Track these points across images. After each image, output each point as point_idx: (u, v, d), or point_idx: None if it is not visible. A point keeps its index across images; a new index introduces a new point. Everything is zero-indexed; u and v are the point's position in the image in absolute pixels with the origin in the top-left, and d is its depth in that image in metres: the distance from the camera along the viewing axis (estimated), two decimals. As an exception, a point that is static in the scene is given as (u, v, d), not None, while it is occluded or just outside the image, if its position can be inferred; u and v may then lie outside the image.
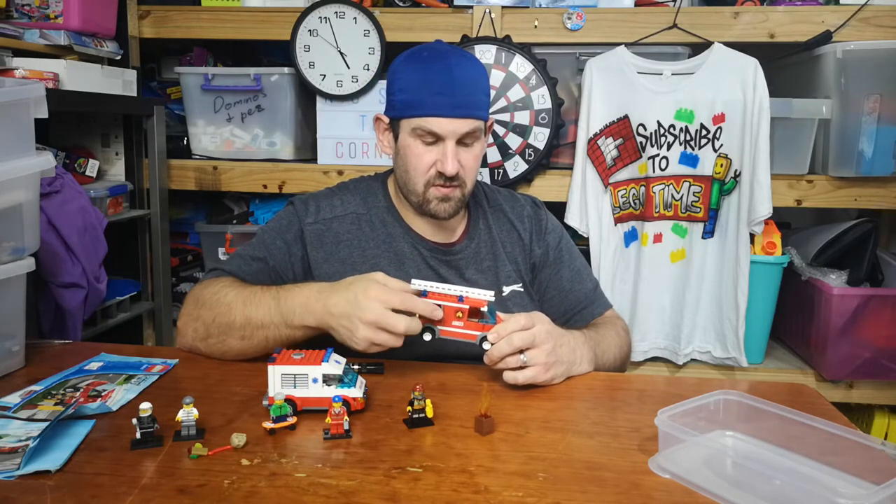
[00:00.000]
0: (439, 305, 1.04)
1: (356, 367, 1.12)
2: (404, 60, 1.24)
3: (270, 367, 0.95)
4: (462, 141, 1.22)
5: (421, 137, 1.21)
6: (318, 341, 1.25)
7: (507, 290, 1.32)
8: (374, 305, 1.01)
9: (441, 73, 1.19)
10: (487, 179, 2.00)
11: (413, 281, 1.06)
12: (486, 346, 1.04)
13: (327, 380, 0.96)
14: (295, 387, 0.95)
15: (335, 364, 0.97)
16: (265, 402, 0.95)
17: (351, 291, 1.04)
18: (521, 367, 1.06)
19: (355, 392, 0.96)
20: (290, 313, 1.09)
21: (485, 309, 1.05)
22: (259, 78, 2.06)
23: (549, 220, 1.41)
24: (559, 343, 1.10)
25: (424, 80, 1.20)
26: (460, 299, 1.05)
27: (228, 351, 1.16)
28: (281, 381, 0.95)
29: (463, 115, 1.19)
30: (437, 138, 1.21)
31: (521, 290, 1.34)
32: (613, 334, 1.29)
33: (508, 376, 1.06)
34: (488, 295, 1.05)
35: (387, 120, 1.29)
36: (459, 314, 1.04)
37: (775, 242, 1.93)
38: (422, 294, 1.05)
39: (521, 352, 1.05)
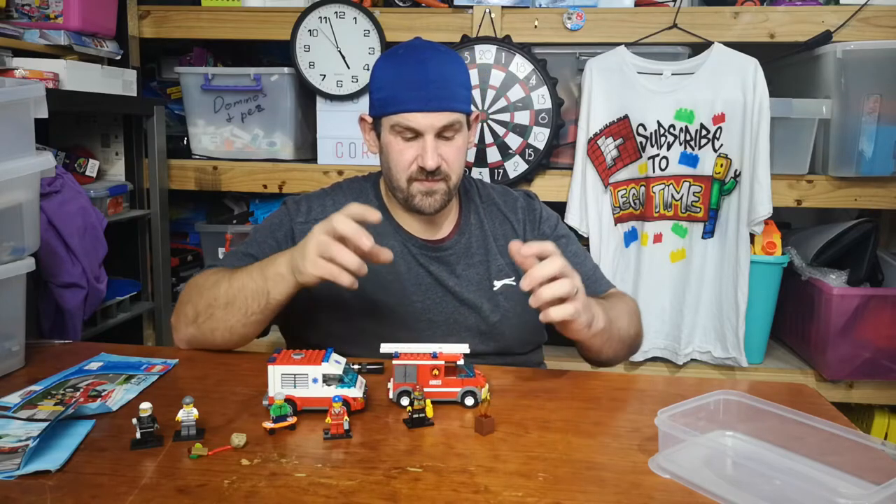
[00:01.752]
0: (413, 366, 1.00)
1: (356, 367, 1.12)
2: (381, 59, 1.27)
3: (270, 367, 0.95)
4: (442, 134, 1.22)
5: (400, 134, 1.22)
6: (318, 342, 1.26)
7: (498, 284, 1.31)
8: (324, 224, 1.04)
9: (414, 67, 1.20)
10: (487, 179, 2.00)
11: (382, 346, 1.04)
12: (468, 401, 0.99)
13: (327, 380, 0.96)
14: (295, 387, 0.95)
15: (335, 364, 0.97)
16: (265, 402, 0.95)
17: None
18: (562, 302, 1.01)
19: (355, 392, 0.96)
20: (270, 263, 1.12)
21: (461, 363, 1.01)
22: (259, 78, 2.06)
23: (544, 209, 1.41)
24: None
25: (399, 76, 1.21)
26: (434, 356, 1.01)
27: (217, 327, 1.16)
28: (281, 381, 0.95)
29: (438, 108, 1.20)
30: (416, 134, 1.21)
31: (514, 283, 1.32)
32: (622, 304, 1.28)
33: (557, 312, 1.01)
34: (463, 349, 1.03)
35: (370, 119, 1.30)
36: (436, 372, 1.00)
37: (775, 242, 1.93)
38: (393, 356, 1.01)
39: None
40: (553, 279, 1.01)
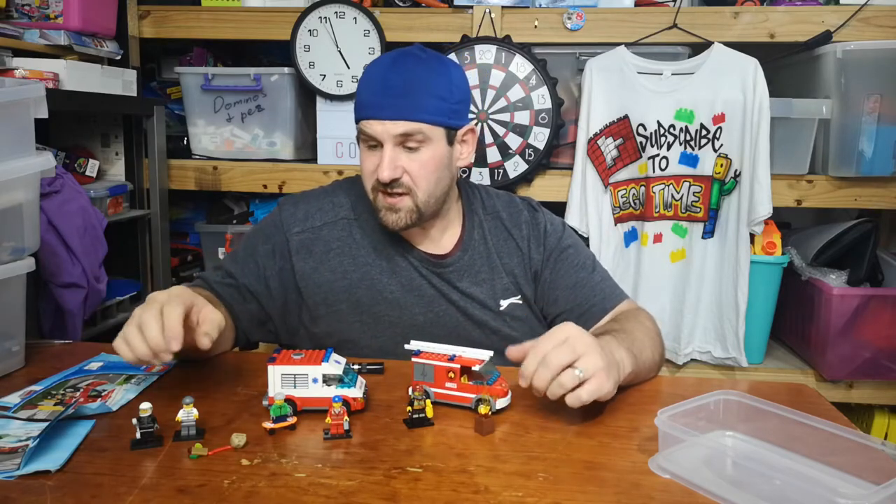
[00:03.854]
0: (431, 365, 0.99)
1: (356, 367, 1.12)
2: (367, 64, 1.22)
3: (270, 367, 0.95)
4: (405, 145, 1.16)
5: (365, 142, 1.18)
6: (319, 342, 1.26)
7: (504, 303, 1.27)
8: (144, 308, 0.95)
9: (378, 73, 1.16)
10: (487, 180, 2.00)
11: (412, 342, 1.04)
12: (481, 408, 0.93)
13: (327, 380, 0.95)
14: (295, 387, 0.95)
15: (335, 364, 0.97)
16: (265, 403, 0.95)
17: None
18: (579, 385, 0.91)
19: (355, 392, 0.96)
20: None
21: (477, 368, 0.99)
22: (259, 78, 2.06)
23: (548, 221, 1.34)
24: (601, 345, 0.95)
25: (367, 82, 1.17)
26: (451, 358, 1.00)
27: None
28: (281, 381, 0.95)
29: (395, 116, 1.13)
30: (378, 143, 1.16)
31: (520, 301, 1.29)
32: (642, 328, 1.17)
33: (571, 399, 0.91)
34: (484, 355, 0.99)
35: None
36: (451, 374, 0.99)
37: (775, 242, 1.93)
38: (414, 353, 1.01)
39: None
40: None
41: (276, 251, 1.26)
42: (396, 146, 1.16)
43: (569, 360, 0.91)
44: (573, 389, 0.91)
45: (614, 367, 0.96)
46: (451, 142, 1.21)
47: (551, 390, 0.92)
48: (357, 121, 1.19)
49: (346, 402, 0.93)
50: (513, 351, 0.98)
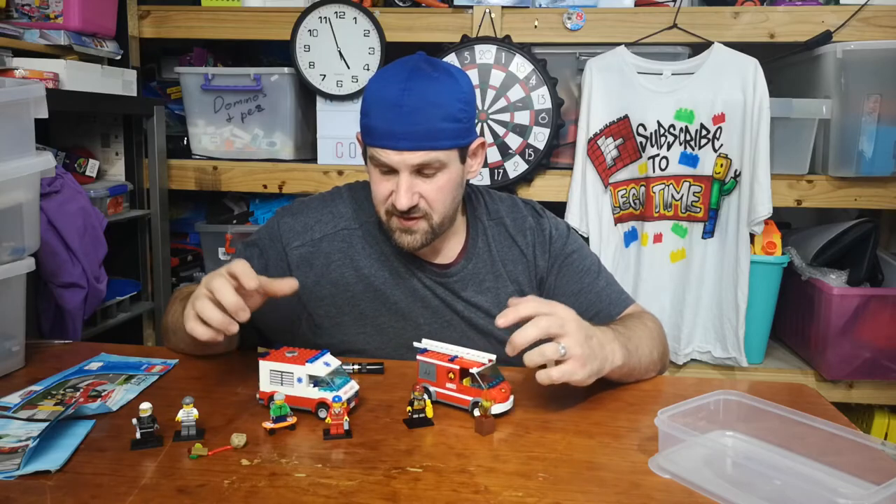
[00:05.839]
0: (433, 364, 1.00)
1: (356, 367, 1.12)
2: (373, 77, 1.16)
3: (261, 363, 0.96)
4: (421, 172, 1.12)
5: (378, 167, 1.14)
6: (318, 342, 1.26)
7: None
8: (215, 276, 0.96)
9: (393, 98, 1.09)
10: (487, 180, 2.00)
11: (423, 340, 1.04)
12: (476, 412, 0.94)
13: (312, 381, 0.95)
14: (282, 384, 0.96)
15: (322, 366, 0.96)
16: (257, 396, 0.97)
17: None
18: (556, 362, 0.94)
19: (339, 396, 0.95)
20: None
21: (474, 371, 0.96)
22: (259, 78, 2.06)
23: (553, 226, 1.31)
24: (589, 334, 0.98)
25: (378, 105, 1.11)
26: (452, 359, 0.99)
27: (177, 347, 1.21)
28: (269, 377, 0.96)
29: (411, 147, 1.09)
30: (391, 169, 1.12)
31: None
32: (641, 326, 1.17)
33: (542, 376, 0.93)
34: (486, 358, 0.99)
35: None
36: (451, 375, 0.99)
37: (775, 242, 1.93)
38: (421, 351, 1.02)
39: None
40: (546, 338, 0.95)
41: (269, 266, 1.24)
42: (412, 174, 1.12)
43: (556, 332, 0.94)
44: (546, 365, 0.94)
45: (595, 360, 0.98)
46: (463, 160, 1.18)
47: (529, 356, 0.93)
48: (369, 145, 1.14)
49: (324, 404, 0.93)
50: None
